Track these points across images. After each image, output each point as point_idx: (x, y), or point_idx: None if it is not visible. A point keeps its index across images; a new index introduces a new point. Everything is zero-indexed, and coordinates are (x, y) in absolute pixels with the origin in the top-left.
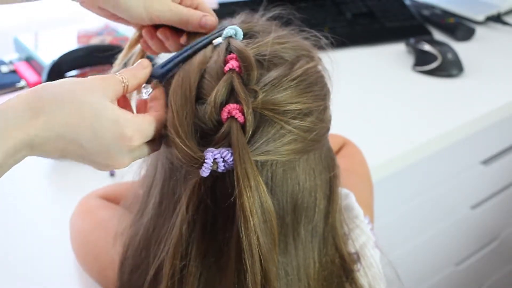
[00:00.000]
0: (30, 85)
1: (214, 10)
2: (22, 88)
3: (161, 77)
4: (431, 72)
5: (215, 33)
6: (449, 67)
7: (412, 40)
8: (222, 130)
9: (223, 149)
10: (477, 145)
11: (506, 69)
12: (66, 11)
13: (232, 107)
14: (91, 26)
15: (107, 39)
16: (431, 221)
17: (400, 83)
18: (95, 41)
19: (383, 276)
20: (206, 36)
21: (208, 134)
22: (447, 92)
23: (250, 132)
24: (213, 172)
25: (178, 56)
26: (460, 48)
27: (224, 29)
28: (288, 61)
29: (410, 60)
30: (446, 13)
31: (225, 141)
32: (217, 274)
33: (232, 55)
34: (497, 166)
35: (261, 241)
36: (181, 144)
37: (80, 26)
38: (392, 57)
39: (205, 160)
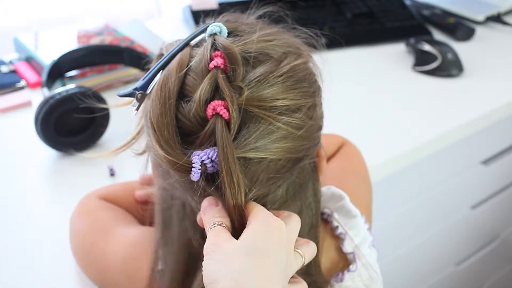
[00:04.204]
0: (30, 85)
1: (214, 10)
2: (22, 88)
3: (143, 88)
4: (431, 72)
5: (194, 34)
6: (449, 67)
7: (412, 40)
8: (207, 127)
9: (209, 149)
10: (477, 145)
11: (506, 69)
12: (66, 11)
13: (216, 103)
14: (91, 26)
15: (107, 39)
16: (431, 221)
17: (400, 83)
18: (95, 41)
19: (380, 276)
20: (184, 38)
21: (194, 132)
22: (447, 92)
23: (235, 129)
24: (203, 174)
25: (158, 64)
26: (460, 48)
27: (203, 29)
28: (274, 58)
29: (410, 60)
30: (446, 13)
31: (211, 138)
32: None
33: (217, 52)
34: (497, 166)
35: None
36: (165, 155)
37: (80, 26)
38: (392, 57)
39: (193, 165)
